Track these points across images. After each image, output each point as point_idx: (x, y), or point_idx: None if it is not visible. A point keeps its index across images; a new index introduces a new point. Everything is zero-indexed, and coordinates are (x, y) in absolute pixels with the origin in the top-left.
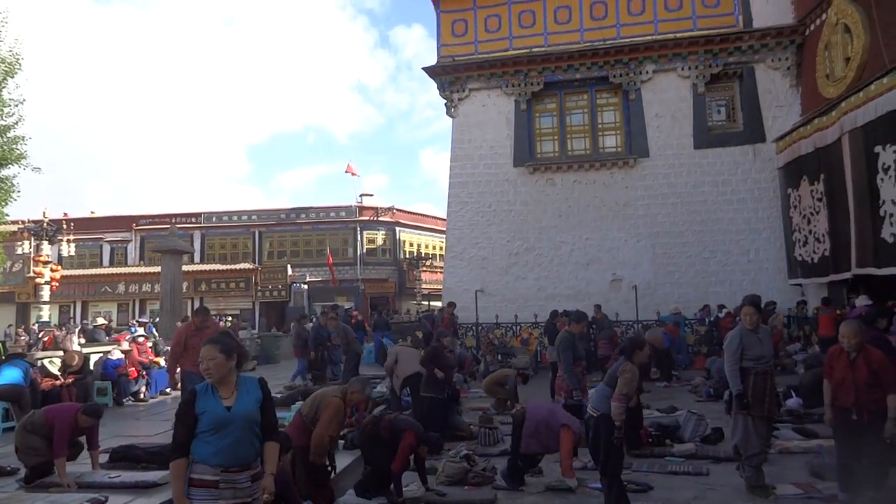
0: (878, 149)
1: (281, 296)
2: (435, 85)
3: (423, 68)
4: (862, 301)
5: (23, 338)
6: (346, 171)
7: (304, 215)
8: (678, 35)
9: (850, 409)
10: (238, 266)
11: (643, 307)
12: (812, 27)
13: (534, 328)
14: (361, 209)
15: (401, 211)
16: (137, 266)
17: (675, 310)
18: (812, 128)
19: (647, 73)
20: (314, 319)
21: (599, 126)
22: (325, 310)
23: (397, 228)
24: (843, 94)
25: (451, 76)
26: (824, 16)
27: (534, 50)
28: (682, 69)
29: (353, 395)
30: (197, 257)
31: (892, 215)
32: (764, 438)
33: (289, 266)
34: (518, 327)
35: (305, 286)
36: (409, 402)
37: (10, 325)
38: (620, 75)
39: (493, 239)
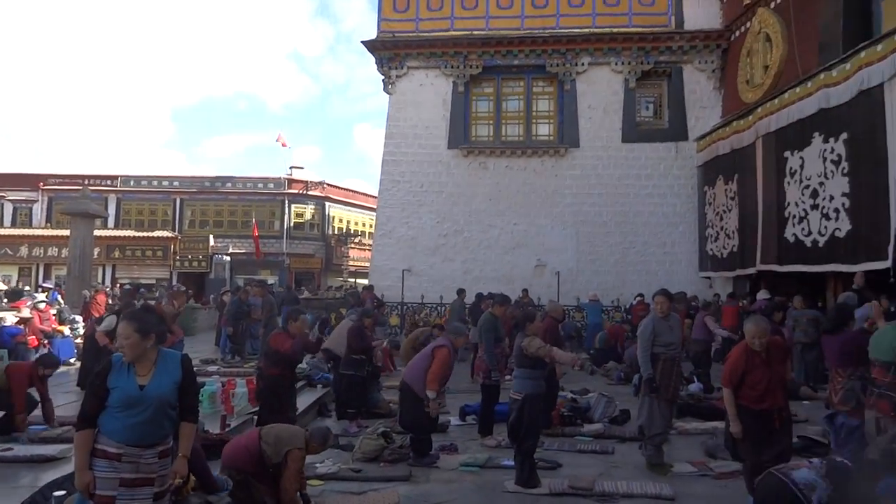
0: (787, 154)
1: (201, 266)
2: (374, 59)
3: (362, 42)
4: (762, 295)
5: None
6: (277, 141)
7: (229, 184)
8: (614, 30)
9: (770, 412)
10: (156, 234)
11: (564, 293)
12: (737, 33)
13: None
14: (290, 182)
15: (331, 186)
16: (43, 228)
17: (592, 296)
18: (730, 130)
19: (582, 64)
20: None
21: (534, 113)
22: (247, 283)
23: (327, 203)
24: (759, 99)
25: (390, 52)
26: (749, 24)
27: (475, 32)
28: (616, 64)
29: (314, 447)
30: (111, 222)
31: (794, 217)
32: (666, 420)
33: (211, 236)
34: (443, 308)
35: (228, 258)
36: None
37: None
38: (557, 65)
39: (423, 219)
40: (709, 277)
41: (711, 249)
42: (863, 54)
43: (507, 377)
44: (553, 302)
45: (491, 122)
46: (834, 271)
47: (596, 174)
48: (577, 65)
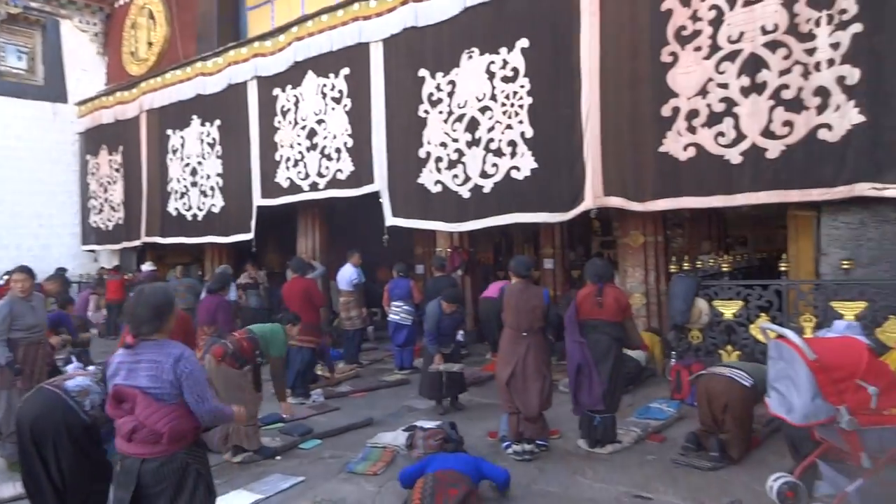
0: (169, 132)
1: None
2: None
3: None
4: (147, 267)
5: None
6: None
7: None
8: None
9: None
10: None
11: None
12: (121, 2)
13: None
14: None
15: None
16: None
17: None
18: (114, 100)
19: None
20: None
21: None
22: None
23: None
24: (144, 74)
25: None
26: None
27: None
28: None
29: None
30: None
31: (177, 192)
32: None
33: None
34: None
35: None
36: None
37: None
38: None
39: None
40: (94, 251)
41: (96, 222)
42: (232, 53)
43: None
44: None
45: None
46: (211, 242)
47: None
48: None
